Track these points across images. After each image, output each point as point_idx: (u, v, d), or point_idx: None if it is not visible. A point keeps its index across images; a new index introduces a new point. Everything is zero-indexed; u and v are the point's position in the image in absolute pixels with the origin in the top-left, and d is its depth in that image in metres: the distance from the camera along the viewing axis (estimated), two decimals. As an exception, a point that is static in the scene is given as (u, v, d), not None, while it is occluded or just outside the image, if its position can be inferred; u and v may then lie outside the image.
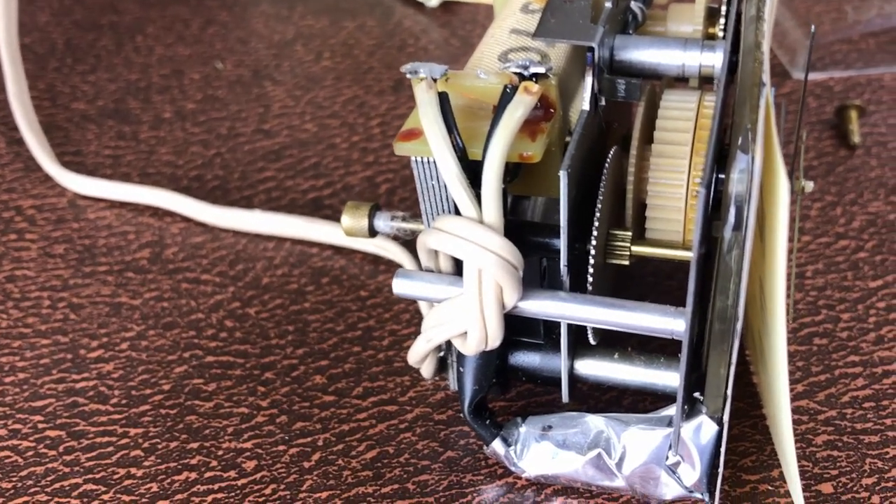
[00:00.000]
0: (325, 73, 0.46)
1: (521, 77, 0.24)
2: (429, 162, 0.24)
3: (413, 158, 0.24)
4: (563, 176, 0.23)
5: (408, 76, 0.24)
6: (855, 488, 0.27)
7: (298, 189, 0.39)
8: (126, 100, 0.45)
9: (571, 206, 0.24)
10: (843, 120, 0.41)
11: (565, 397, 0.28)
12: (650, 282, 0.34)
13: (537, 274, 0.27)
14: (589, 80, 0.25)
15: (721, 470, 0.24)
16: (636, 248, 0.26)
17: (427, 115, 0.23)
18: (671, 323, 0.24)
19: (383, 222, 0.29)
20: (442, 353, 0.29)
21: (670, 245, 0.27)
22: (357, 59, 0.48)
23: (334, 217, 0.37)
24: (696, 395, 0.25)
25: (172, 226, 0.38)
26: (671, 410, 0.26)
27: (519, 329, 0.27)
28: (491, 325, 0.24)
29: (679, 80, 0.28)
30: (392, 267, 0.35)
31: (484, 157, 0.23)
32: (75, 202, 0.39)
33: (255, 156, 0.41)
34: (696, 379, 0.26)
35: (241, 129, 0.43)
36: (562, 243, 0.24)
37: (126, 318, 0.34)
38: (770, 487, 0.27)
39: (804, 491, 0.27)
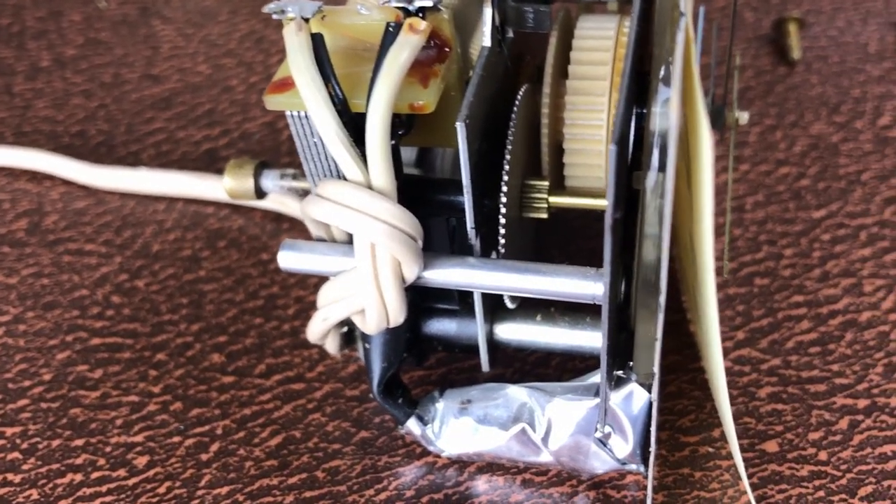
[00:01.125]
0: (220, 7, 0.42)
1: (407, 12, 0.20)
2: (305, 117, 0.21)
3: (288, 113, 0.21)
4: (460, 128, 0.20)
5: (274, 17, 0.20)
6: (801, 445, 0.25)
7: (191, 140, 0.36)
8: (-3, 48, 0.41)
9: (475, 160, 0.21)
10: (782, 34, 0.38)
11: (485, 366, 0.25)
12: (576, 226, 0.31)
13: (445, 235, 0.24)
14: (488, 10, 0.22)
15: (654, 449, 0.22)
16: (554, 199, 0.24)
17: (297, 63, 0.20)
18: (591, 287, 0.21)
19: (272, 182, 0.26)
20: (345, 329, 0.26)
21: (593, 194, 0.24)
22: (255, -11, 0.43)
23: (231, 171, 0.33)
24: (621, 372, 0.22)
25: (52, 191, 0.34)
26: (599, 377, 0.24)
27: (432, 295, 0.24)
28: (391, 301, 0.21)
29: (597, 4, 0.25)
30: (297, 225, 0.32)
31: (367, 109, 0.20)
32: (-59, 169, 0.35)
33: (142, 105, 0.37)
34: (624, 339, 0.24)
35: (127, 75, 0.39)
36: (466, 203, 0.21)
37: (1, 299, 0.30)
38: (711, 449, 0.25)
39: (747, 451, 0.25)
